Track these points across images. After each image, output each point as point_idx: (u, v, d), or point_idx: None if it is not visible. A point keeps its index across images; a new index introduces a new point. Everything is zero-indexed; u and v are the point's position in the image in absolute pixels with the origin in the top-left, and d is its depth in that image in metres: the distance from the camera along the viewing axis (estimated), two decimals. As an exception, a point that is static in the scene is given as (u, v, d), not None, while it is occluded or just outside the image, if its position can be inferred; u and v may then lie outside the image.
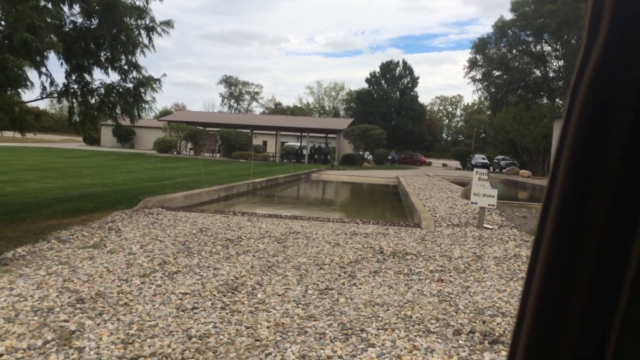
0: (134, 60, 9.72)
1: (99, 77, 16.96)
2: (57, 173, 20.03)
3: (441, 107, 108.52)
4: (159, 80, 10.04)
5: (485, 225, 9.78)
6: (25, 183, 15.20)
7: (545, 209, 0.51)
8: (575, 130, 0.48)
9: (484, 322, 4.50)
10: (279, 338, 3.93)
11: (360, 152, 44.82)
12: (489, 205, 9.74)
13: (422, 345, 3.92)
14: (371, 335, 4.08)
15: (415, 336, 4.11)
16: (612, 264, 0.46)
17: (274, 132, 49.50)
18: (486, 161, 49.40)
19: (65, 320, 4.03)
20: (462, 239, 8.51)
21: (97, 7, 8.94)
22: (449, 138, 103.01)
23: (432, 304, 4.97)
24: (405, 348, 3.84)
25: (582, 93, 0.47)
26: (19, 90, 8.40)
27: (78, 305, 4.39)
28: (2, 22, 7.72)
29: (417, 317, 4.55)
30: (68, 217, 8.45)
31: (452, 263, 6.70)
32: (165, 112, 71.18)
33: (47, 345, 3.55)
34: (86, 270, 5.50)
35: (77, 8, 9.05)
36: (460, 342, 4.05)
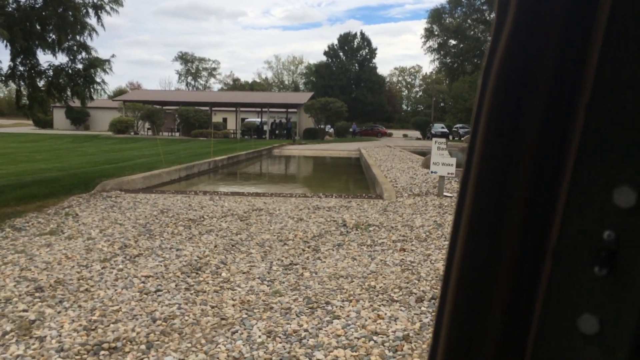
0: (82, 40, 9.34)
1: (47, 58, 16.30)
2: (8, 159, 19.32)
3: (400, 78, 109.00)
4: (108, 61, 9.71)
5: (445, 194, 9.97)
6: (-26, 171, 14.61)
7: (463, 187, 0.52)
8: (489, 108, 0.48)
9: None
10: (244, 315, 3.95)
11: (322, 126, 44.78)
12: (448, 173, 9.92)
13: (386, 314, 4.00)
14: (336, 307, 4.14)
15: (379, 305, 4.19)
16: (533, 241, 0.47)
17: (234, 109, 48.83)
18: (445, 130, 50.18)
19: (24, 310, 3.94)
20: (423, 208, 8.66)
21: (39, -15, 8.56)
22: (409, 108, 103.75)
23: (395, 273, 5.07)
24: (369, 318, 3.92)
25: (494, 71, 0.48)
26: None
27: (37, 294, 4.29)
28: None
29: (380, 287, 4.64)
30: (22, 204, 8.19)
31: (413, 232, 6.83)
32: (120, 92, 69.29)
33: (7, 337, 3.47)
34: (44, 257, 5.36)
35: None
36: (423, 308, 4.15)
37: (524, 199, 0.47)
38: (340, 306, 4.17)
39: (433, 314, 4.03)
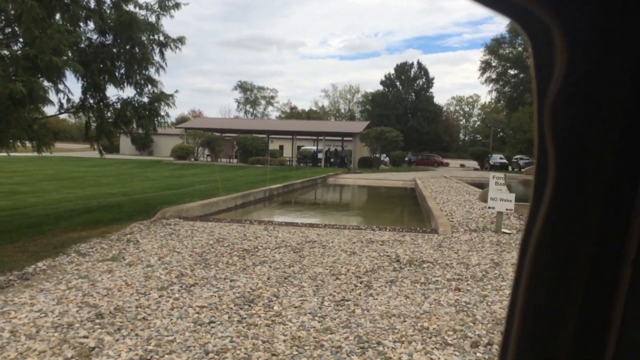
0: (148, 74, 9.86)
1: (114, 92, 17.24)
2: (76, 183, 20.33)
3: (458, 107, 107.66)
4: (172, 95, 10.19)
5: (503, 230, 9.69)
6: (45, 194, 15.46)
7: (535, 206, 0.52)
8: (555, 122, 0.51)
9: (502, 333, 4.45)
10: (295, 352, 3.94)
11: (377, 155, 44.70)
12: (507, 209, 9.65)
13: (439, 358, 3.90)
14: (388, 348, 4.07)
15: (432, 349, 4.08)
16: (608, 264, 0.47)
17: (290, 137, 49.63)
18: (504, 161, 48.99)
19: (85, 336, 4.09)
20: (479, 245, 8.44)
21: (111, 24, 9.11)
22: (467, 138, 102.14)
23: (449, 314, 4.94)
24: (422, 361, 3.82)
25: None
26: (39, 105, 8.54)
27: (97, 321, 4.45)
28: (20, 43, 7.91)
29: (434, 329, 4.53)
30: (87, 229, 8.57)
31: (469, 271, 6.65)
32: (183, 119, 71.78)
33: (67, 363, 3.60)
34: (105, 284, 5.57)
35: (91, 25, 9.23)
36: (478, 354, 4.01)
37: (598, 220, 0.47)
38: (392, 347, 4.09)
39: (489, 360, 3.89)
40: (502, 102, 66.11)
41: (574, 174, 0.49)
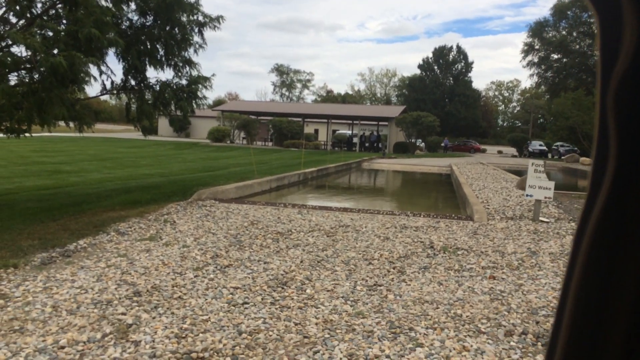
0: (187, 56, 9.99)
1: (154, 73, 17.60)
2: (116, 163, 20.84)
3: (497, 93, 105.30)
4: (209, 78, 10.30)
5: (541, 219, 9.48)
6: (86, 173, 15.91)
7: (591, 198, 0.50)
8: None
9: (537, 322, 4.38)
10: (327, 335, 3.97)
11: (413, 140, 44.27)
12: (545, 197, 9.42)
13: (472, 346, 3.86)
14: (420, 334, 4.05)
15: (465, 336, 4.05)
16: None
17: (325, 121, 49.56)
18: (544, 148, 47.81)
19: (123, 313, 4.20)
20: (516, 233, 8.28)
21: (152, 5, 9.22)
22: (505, 124, 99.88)
23: (483, 302, 4.88)
24: (454, 349, 3.79)
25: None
26: (81, 84, 8.73)
27: (135, 298, 4.57)
28: (62, 24, 8.09)
29: (467, 316, 4.48)
30: (126, 209, 8.78)
31: (505, 259, 6.55)
32: (220, 102, 72.46)
33: (106, 339, 3.72)
34: (143, 262, 5.71)
35: (132, 6, 9.37)
36: (512, 343, 3.96)
37: None
38: (424, 333, 4.07)
39: (523, 350, 3.83)
40: (543, 87, 64.45)
41: (637, 165, 0.46)
